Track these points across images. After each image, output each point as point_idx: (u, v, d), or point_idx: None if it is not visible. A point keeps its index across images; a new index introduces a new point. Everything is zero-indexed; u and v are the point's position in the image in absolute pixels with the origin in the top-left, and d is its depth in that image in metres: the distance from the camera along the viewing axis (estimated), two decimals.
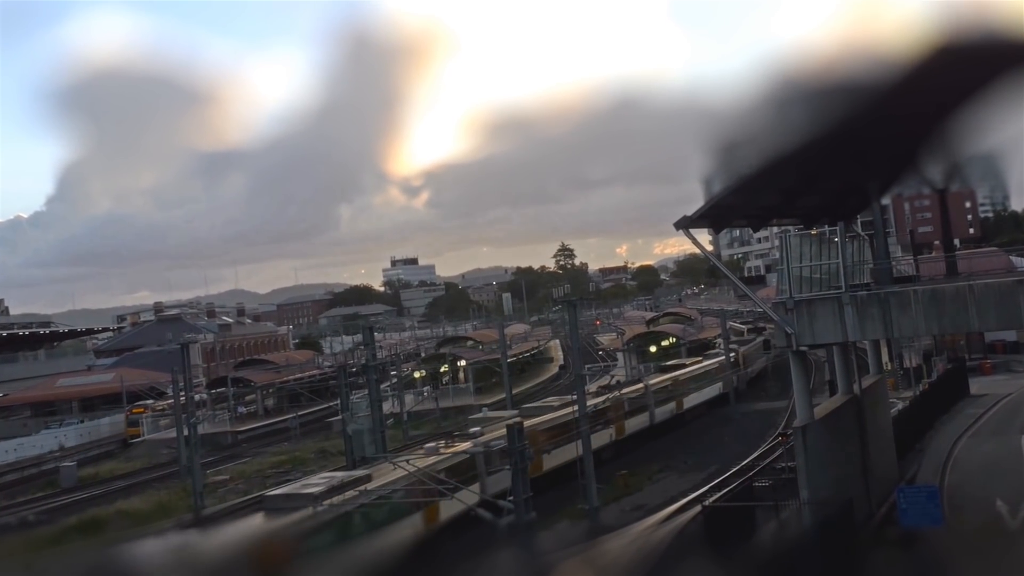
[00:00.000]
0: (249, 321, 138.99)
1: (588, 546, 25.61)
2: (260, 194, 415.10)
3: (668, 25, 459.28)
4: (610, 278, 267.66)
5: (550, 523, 29.21)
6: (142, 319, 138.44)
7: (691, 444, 43.84)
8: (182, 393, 43.35)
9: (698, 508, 25.23)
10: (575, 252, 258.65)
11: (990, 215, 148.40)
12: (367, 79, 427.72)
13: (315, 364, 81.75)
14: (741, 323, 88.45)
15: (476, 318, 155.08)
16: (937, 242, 72.45)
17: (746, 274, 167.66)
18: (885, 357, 41.98)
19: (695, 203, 22.16)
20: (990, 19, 17.21)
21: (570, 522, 30.10)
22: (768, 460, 35.92)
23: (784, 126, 20.59)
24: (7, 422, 73.02)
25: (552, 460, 35.12)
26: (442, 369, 72.49)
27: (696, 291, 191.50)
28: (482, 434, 32.49)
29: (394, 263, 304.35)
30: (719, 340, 63.65)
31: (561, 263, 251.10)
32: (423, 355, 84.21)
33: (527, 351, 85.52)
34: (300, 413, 62.51)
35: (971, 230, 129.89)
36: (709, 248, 31.49)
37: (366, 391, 37.59)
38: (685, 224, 22.00)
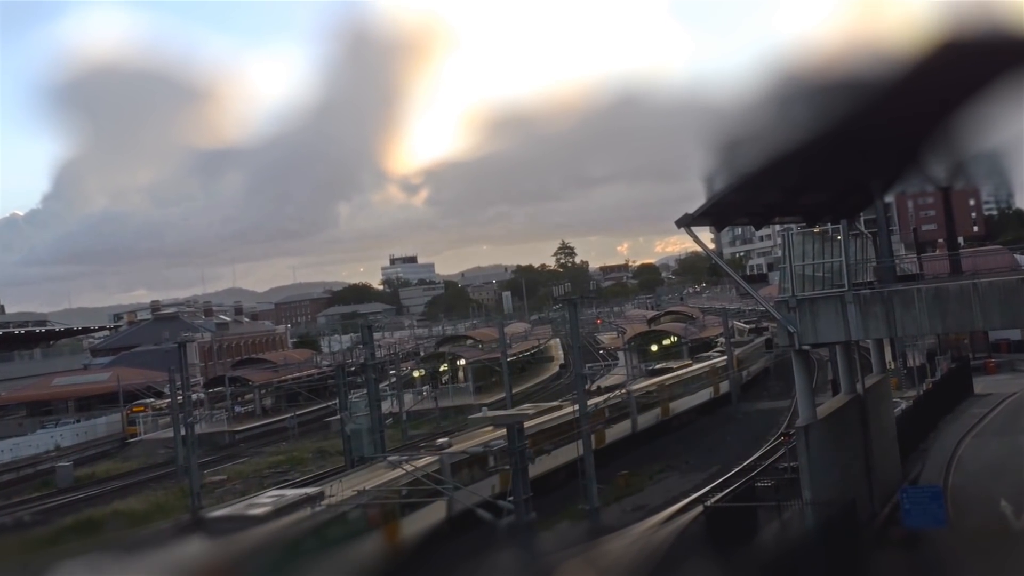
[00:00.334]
0: (247, 320, 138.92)
1: (589, 547, 25.43)
2: (258, 192, 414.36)
3: (669, 21, 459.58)
4: (611, 276, 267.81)
5: (550, 524, 29.06)
6: (139, 318, 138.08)
7: (693, 444, 43.64)
8: (179, 392, 43.18)
9: (700, 508, 25.15)
10: (576, 250, 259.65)
11: (994, 213, 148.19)
12: (366, 76, 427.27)
13: (313, 363, 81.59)
14: (744, 322, 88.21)
15: (476, 317, 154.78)
16: (941, 240, 72.38)
17: (748, 272, 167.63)
18: (888, 356, 41.70)
19: (697, 201, 22.01)
20: (994, 14, 17.04)
21: (570, 523, 29.95)
22: (770, 460, 35.77)
23: (786, 123, 20.44)
24: (2, 422, 73.01)
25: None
26: (441, 368, 72.26)
27: (698, 290, 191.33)
28: (449, 445, 30.57)
29: (393, 261, 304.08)
30: (720, 339, 63.26)
31: (562, 261, 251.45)
32: (422, 354, 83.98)
33: (527, 350, 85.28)
34: (298, 413, 62.41)
35: (975, 228, 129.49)
36: (711, 246, 31.33)
37: (365, 390, 37.36)
38: (687, 222, 21.84)
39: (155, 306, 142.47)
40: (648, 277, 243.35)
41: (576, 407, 31.14)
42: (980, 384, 47.35)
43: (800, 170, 23.60)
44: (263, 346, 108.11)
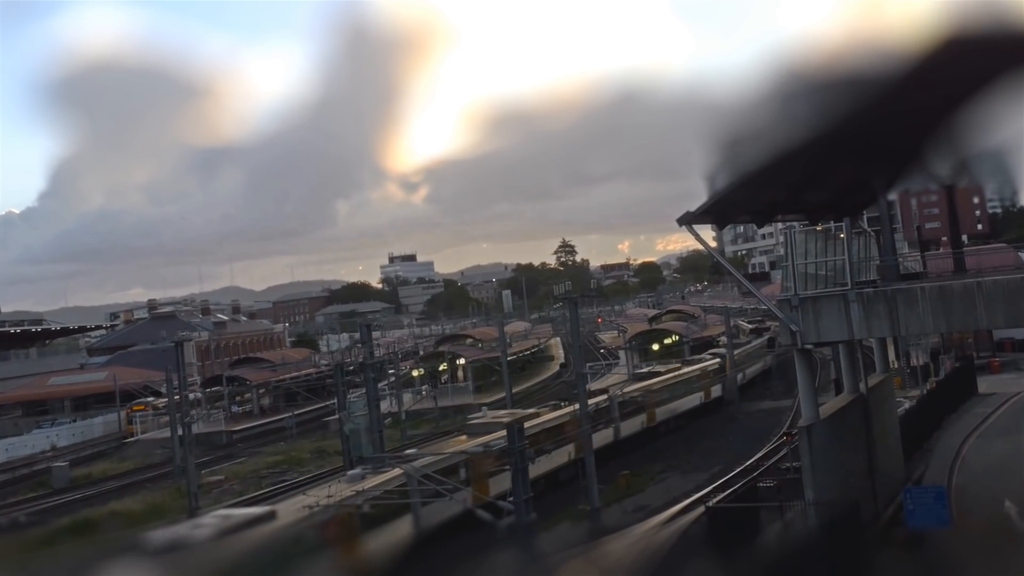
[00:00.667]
0: (244, 319, 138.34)
1: (590, 547, 25.28)
2: (256, 190, 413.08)
3: (671, 18, 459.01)
4: (612, 275, 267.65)
5: (551, 524, 28.89)
6: (136, 317, 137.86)
7: (694, 444, 43.45)
8: (176, 392, 42.98)
9: (701, 509, 24.95)
10: (576, 248, 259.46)
11: (998, 211, 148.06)
12: (365, 73, 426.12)
13: (312, 362, 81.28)
14: (747, 321, 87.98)
15: (475, 315, 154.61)
16: (945, 238, 72.08)
17: (750, 271, 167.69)
18: (892, 355, 41.61)
19: (698, 199, 21.93)
20: (998, 10, 16.93)
21: (571, 523, 29.78)
22: (773, 460, 35.62)
23: (789, 120, 20.36)
24: None
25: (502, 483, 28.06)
26: (441, 367, 72.05)
27: (699, 288, 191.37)
28: (417, 457, 28.39)
29: (392, 260, 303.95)
30: (722, 339, 62.97)
31: (562, 260, 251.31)
32: (421, 353, 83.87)
33: (527, 349, 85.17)
34: (296, 412, 62.18)
35: (979, 226, 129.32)
36: (713, 244, 31.21)
37: (363, 390, 37.15)
38: (688, 220, 21.73)
39: (152, 305, 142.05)
40: (649, 275, 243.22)
41: (580, 406, 31.01)
42: (984, 383, 47.25)
43: (802, 168, 23.47)
44: (261, 345, 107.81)
